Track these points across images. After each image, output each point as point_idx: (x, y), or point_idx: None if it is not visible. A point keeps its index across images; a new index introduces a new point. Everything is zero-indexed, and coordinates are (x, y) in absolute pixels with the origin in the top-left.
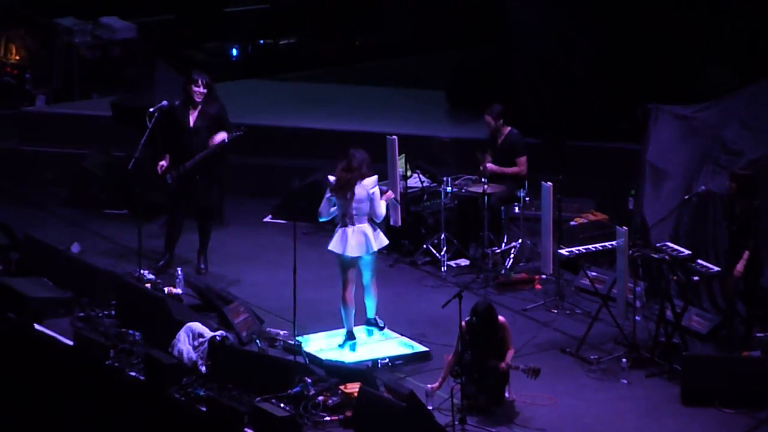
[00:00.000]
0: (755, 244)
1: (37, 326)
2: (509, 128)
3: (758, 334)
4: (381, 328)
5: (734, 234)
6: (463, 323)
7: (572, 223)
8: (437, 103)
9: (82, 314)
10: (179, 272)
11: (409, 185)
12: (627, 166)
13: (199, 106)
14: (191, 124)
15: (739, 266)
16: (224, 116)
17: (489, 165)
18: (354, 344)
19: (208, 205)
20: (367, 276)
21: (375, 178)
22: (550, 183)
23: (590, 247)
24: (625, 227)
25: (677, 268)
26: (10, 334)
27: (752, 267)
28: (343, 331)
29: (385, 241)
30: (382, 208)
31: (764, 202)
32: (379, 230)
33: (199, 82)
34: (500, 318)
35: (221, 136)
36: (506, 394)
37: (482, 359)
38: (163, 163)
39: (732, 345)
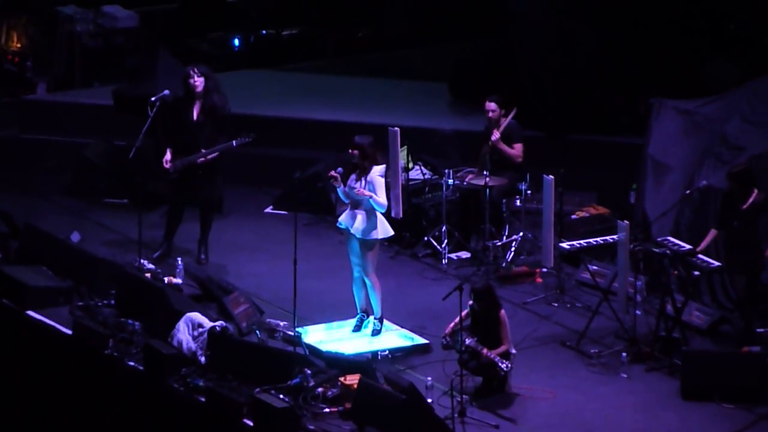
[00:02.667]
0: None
1: (35, 315)
2: (507, 118)
3: (759, 330)
4: (374, 332)
5: (736, 230)
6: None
7: (573, 216)
8: (439, 94)
9: (81, 303)
10: (179, 262)
11: (410, 177)
12: (629, 160)
13: (201, 99)
14: (195, 117)
15: (702, 244)
16: (226, 113)
17: (495, 134)
18: (366, 323)
19: (210, 195)
20: (362, 267)
21: (383, 167)
22: (551, 176)
23: (591, 240)
24: (626, 221)
25: (678, 262)
26: (5, 321)
27: (754, 262)
28: (345, 322)
29: (390, 232)
30: (383, 197)
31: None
32: (383, 220)
33: (192, 72)
34: (501, 312)
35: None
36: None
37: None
38: (167, 157)
39: (734, 340)
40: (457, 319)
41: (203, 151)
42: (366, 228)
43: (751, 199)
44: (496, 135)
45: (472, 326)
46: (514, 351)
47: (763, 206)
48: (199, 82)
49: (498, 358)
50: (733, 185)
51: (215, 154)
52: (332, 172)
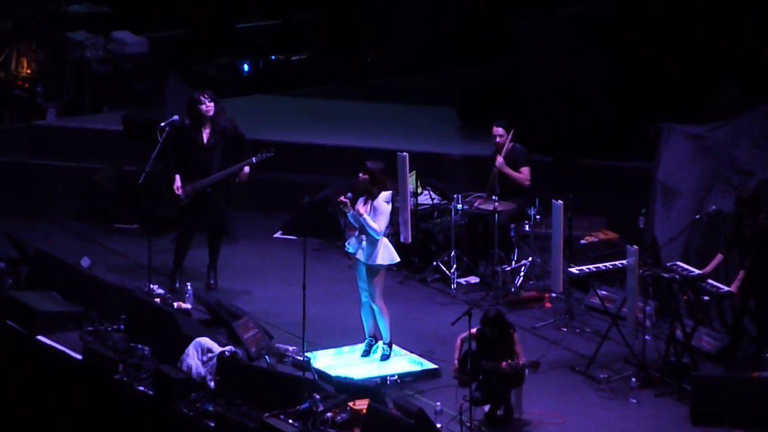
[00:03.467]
0: (754, 262)
1: (45, 340)
2: (513, 143)
3: None
4: (383, 357)
5: (743, 254)
6: (473, 330)
7: (582, 241)
8: (448, 119)
9: (91, 328)
10: (189, 287)
11: (419, 202)
12: (638, 184)
13: (210, 123)
14: (205, 141)
15: (733, 286)
16: (237, 128)
17: (499, 159)
18: (375, 348)
19: (220, 219)
20: (369, 293)
21: (390, 193)
22: (560, 201)
23: (600, 265)
24: (635, 246)
25: (687, 287)
26: (16, 346)
27: (764, 286)
28: (354, 347)
29: (395, 259)
30: (381, 223)
31: None
32: (389, 247)
33: (204, 98)
34: (515, 333)
35: (246, 169)
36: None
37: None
38: (178, 183)
39: (741, 365)
40: (458, 349)
41: (221, 171)
42: (372, 253)
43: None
44: (499, 160)
45: (479, 352)
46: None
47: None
48: (210, 106)
49: (518, 362)
50: (743, 211)
51: (235, 170)
52: (341, 198)
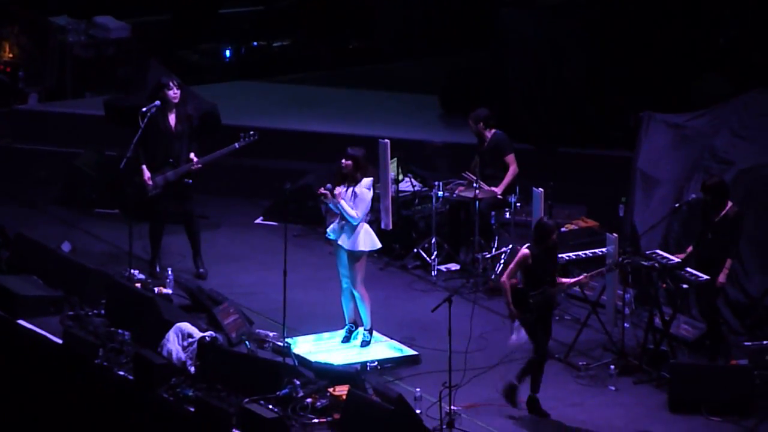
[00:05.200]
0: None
1: (26, 324)
2: (494, 130)
3: (746, 343)
4: (364, 343)
5: (710, 242)
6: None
7: (563, 229)
8: (430, 107)
9: (71, 313)
10: (169, 272)
11: (400, 189)
12: (618, 173)
13: (175, 109)
14: (173, 128)
15: (722, 277)
16: (211, 114)
17: (496, 189)
18: (356, 334)
19: (192, 206)
20: (350, 279)
21: (372, 179)
22: (541, 189)
23: (580, 253)
24: (615, 234)
25: (666, 275)
26: None
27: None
28: (334, 333)
29: (377, 245)
30: (359, 210)
31: (757, 210)
32: (371, 233)
33: (172, 84)
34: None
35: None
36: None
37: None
38: (148, 175)
39: (718, 353)
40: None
41: (199, 158)
42: (353, 240)
43: (723, 212)
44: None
45: (530, 274)
46: None
47: (735, 220)
48: (177, 93)
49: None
50: (707, 198)
51: (219, 156)
52: (321, 190)
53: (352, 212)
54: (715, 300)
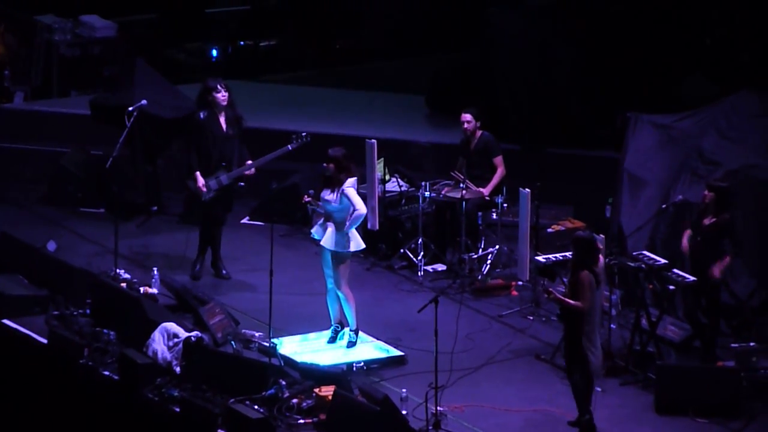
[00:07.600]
0: (736, 251)
1: (11, 323)
2: (481, 131)
3: (733, 345)
4: (349, 343)
5: (698, 244)
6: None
7: (549, 230)
8: (417, 107)
9: (57, 312)
10: (155, 272)
11: (387, 189)
12: (605, 174)
13: (224, 112)
14: (224, 131)
15: (716, 270)
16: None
17: (483, 190)
18: (342, 335)
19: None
20: (334, 279)
21: (355, 179)
22: (528, 189)
23: (567, 254)
24: (602, 235)
25: (653, 276)
26: None
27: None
28: (320, 334)
29: (361, 246)
30: (360, 204)
31: (745, 212)
32: (355, 234)
33: (220, 87)
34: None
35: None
36: None
37: None
38: (202, 182)
39: (704, 355)
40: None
41: (250, 162)
42: (337, 240)
43: (715, 219)
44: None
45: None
46: None
47: (723, 228)
48: (226, 95)
49: None
50: (710, 195)
51: (269, 160)
52: (305, 198)
53: (361, 210)
54: (718, 298)
